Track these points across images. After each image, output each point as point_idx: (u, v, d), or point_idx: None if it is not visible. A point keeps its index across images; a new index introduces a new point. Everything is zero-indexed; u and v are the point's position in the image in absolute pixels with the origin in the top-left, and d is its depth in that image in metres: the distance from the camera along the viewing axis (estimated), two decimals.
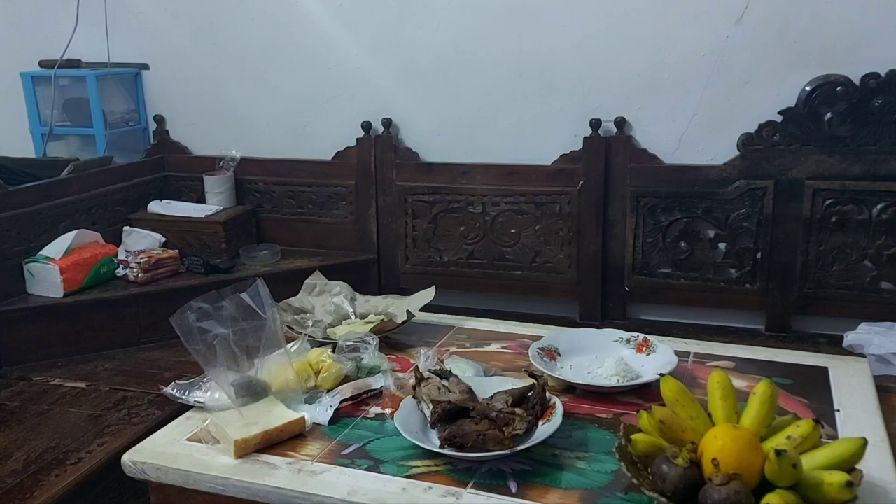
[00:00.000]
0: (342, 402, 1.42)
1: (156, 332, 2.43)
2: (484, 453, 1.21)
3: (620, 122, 2.50)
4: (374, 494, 1.18)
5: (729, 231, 2.43)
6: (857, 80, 2.25)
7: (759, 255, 2.41)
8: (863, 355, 2.02)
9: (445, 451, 1.22)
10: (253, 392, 1.42)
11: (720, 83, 2.40)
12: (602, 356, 1.55)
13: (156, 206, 2.89)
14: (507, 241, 2.68)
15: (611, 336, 1.64)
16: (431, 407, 1.30)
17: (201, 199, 2.94)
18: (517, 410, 1.27)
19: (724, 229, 2.43)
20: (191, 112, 3.05)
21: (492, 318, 1.97)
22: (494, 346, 1.72)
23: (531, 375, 1.39)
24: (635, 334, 1.63)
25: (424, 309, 1.83)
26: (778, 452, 1.01)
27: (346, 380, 1.51)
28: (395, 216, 2.79)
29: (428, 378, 1.38)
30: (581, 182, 2.54)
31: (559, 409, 1.30)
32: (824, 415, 1.34)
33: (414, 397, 1.37)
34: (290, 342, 1.55)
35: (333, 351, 1.58)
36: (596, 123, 2.51)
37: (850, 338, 2.21)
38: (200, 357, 1.35)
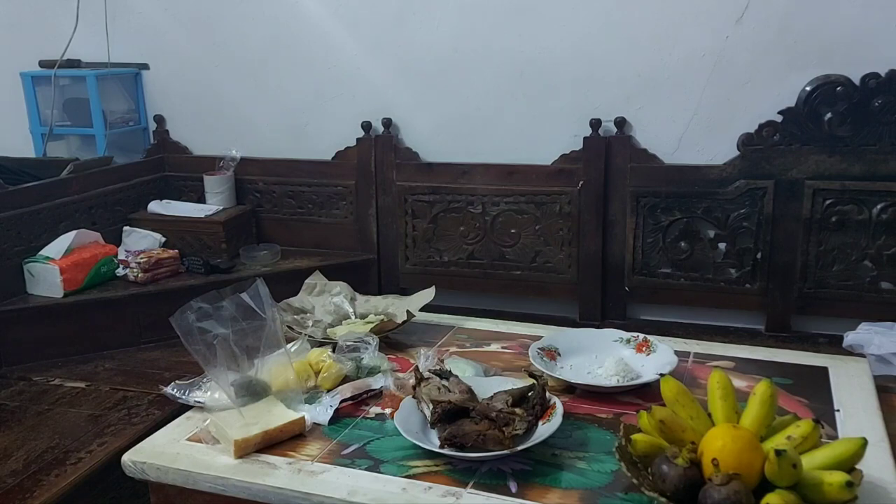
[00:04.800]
0: (342, 402, 1.42)
1: (156, 332, 2.43)
2: (484, 453, 1.21)
3: (620, 122, 2.50)
4: (374, 494, 1.18)
5: (729, 231, 2.43)
6: (857, 80, 2.24)
7: (759, 255, 2.41)
8: (863, 355, 2.02)
9: (445, 451, 1.22)
10: (253, 392, 1.42)
11: (720, 83, 2.40)
12: (602, 356, 1.55)
13: (156, 206, 2.89)
14: (507, 241, 2.67)
15: (611, 336, 1.64)
16: (431, 407, 1.30)
17: (201, 199, 2.94)
18: (517, 410, 1.27)
19: (724, 229, 2.43)
20: (191, 112, 3.05)
21: (492, 318, 1.97)
22: (494, 346, 1.72)
23: (531, 375, 1.40)
24: (635, 334, 1.63)
25: (424, 309, 1.83)
26: (778, 452, 1.01)
27: (346, 380, 1.51)
28: (395, 216, 2.79)
29: (428, 378, 1.38)
30: (581, 182, 2.54)
31: (559, 409, 1.30)
32: (824, 415, 1.34)
33: (414, 397, 1.37)
34: (290, 342, 1.55)
35: (333, 351, 1.58)
36: (596, 123, 2.51)
37: (850, 338, 2.21)
38: (200, 357, 1.35)
